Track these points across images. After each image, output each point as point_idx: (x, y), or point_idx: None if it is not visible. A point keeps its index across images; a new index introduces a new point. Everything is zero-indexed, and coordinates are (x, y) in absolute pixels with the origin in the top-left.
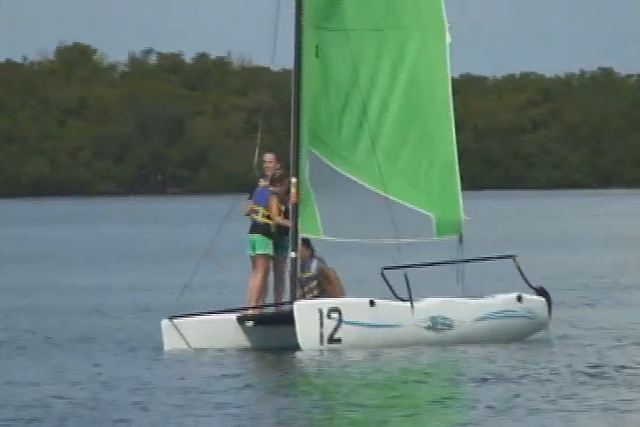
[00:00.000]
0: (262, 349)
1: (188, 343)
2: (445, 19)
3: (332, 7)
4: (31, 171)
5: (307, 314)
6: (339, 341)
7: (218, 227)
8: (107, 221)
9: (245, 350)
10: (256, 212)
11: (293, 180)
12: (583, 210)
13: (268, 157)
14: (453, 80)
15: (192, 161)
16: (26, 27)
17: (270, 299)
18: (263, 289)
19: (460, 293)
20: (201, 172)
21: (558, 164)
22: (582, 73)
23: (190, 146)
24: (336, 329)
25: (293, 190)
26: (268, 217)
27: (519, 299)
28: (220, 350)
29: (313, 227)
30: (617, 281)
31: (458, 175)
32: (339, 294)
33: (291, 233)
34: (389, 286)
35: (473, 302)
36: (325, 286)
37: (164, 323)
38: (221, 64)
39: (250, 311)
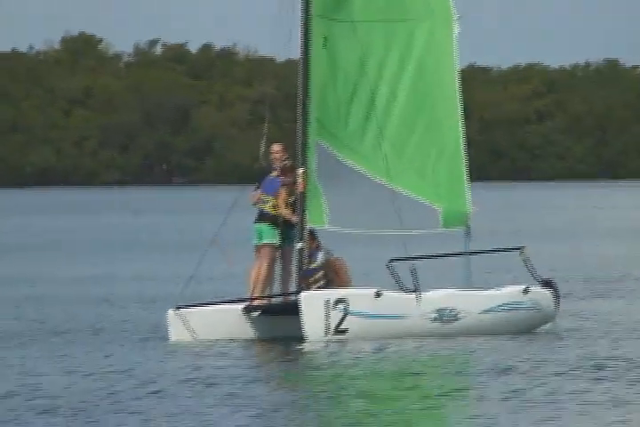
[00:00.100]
0: (268, 339)
1: (193, 333)
2: (454, 9)
3: None
4: (36, 160)
5: (312, 304)
6: (344, 331)
7: (223, 217)
8: (112, 211)
9: (251, 340)
10: (265, 201)
11: (300, 170)
12: (588, 201)
13: (276, 148)
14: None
15: (197, 151)
16: (31, 16)
17: (276, 289)
18: (269, 279)
19: (467, 285)
20: (206, 161)
21: (563, 155)
22: (587, 64)
23: (195, 135)
24: (342, 320)
25: (300, 180)
26: (276, 207)
27: (526, 291)
28: (226, 340)
29: (319, 218)
30: (626, 273)
31: (465, 166)
32: (345, 284)
33: (297, 223)
34: (395, 278)
35: (480, 294)
36: (332, 276)
37: (170, 313)
38: (226, 54)
39: (256, 301)
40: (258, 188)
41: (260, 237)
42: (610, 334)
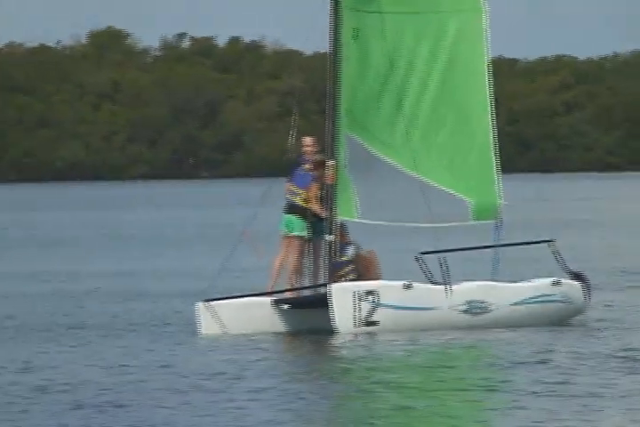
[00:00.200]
0: (298, 332)
1: (223, 326)
2: (485, 1)
3: None
4: (66, 155)
5: (342, 296)
6: (374, 323)
7: (253, 211)
8: (141, 206)
9: (281, 333)
10: (295, 193)
11: (330, 162)
12: (617, 193)
13: (308, 140)
14: None
15: (225, 145)
16: (59, 11)
17: (306, 283)
18: (298, 272)
19: (497, 277)
20: (234, 155)
21: (591, 146)
22: (615, 55)
23: (223, 129)
24: (371, 312)
25: (330, 172)
26: (307, 201)
27: (556, 283)
28: (256, 333)
29: (350, 210)
30: None
31: (495, 158)
32: (375, 277)
33: (327, 216)
34: (425, 271)
35: (510, 286)
36: (362, 271)
37: (200, 305)
38: (254, 48)
39: (286, 294)
40: (290, 180)
41: (290, 228)
42: None
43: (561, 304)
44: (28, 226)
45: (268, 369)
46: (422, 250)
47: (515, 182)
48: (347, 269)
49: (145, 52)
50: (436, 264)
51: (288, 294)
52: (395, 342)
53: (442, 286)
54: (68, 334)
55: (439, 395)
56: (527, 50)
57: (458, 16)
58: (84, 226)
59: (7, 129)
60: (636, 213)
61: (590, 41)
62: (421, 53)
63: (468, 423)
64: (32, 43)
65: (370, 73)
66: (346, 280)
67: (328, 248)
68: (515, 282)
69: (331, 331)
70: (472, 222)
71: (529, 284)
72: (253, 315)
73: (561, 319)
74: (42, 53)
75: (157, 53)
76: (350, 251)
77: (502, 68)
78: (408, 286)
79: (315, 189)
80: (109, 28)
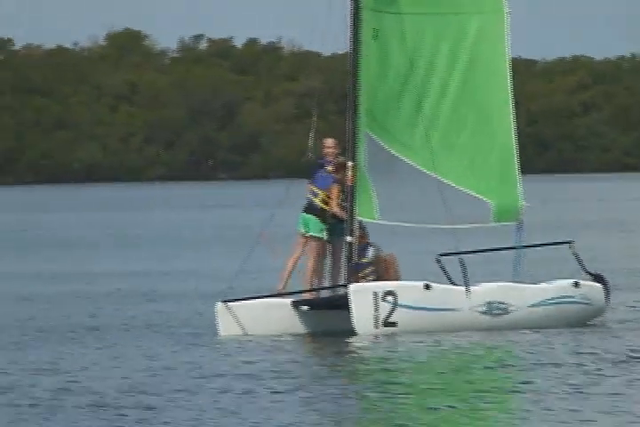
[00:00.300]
0: (317, 333)
1: (242, 327)
2: (505, 2)
3: None
4: (84, 157)
5: (362, 297)
6: (394, 324)
7: (270, 213)
8: (159, 207)
9: (300, 334)
10: (315, 194)
11: (350, 163)
12: (636, 193)
13: (329, 142)
14: None
15: (243, 146)
16: (76, 12)
17: (325, 284)
18: (317, 273)
19: (518, 278)
20: (252, 157)
21: (609, 147)
22: (633, 56)
23: (241, 131)
24: (391, 312)
25: (349, 173)
26: (326, 202)
27: (576, 285)
28: (275, 334)
29: (369, 211)
30: None
31: (517, 159)
32: (395, 279)
33: (347, 217)
34: (445, 272)
35: (529, 287)
36: (381, 273)
37: (218, 306)
38: (272, 49)
39: (305, 295)
40: (311, 182)
41: (307, 228)
42: None
43: (581, 306)
44: (46, 227)
45: (291, 370)
46: (442, 251)
47: (533, 184)
48: (367, 271)
49: (162, 53)
50: (457, 266)
51: (307, 296)
52: (417, 344)
53: (462, 287)
54: (91, 335)
55: (464, 396)
56: (545, 50)
57: (479, 17)
58: (101, 228)
59: (25, 131)
60: None
61: (607, 41)
62: (442, 53)
63: (494, 424)
64: (50, 44)
65: (390, 73)
66: (365, 282)
67: (348, 249)
68: (535, 283)
69: (350, 332)
70: (493, 224)
71: (549, 285)
72: (272, 316)
73: (581, 321)
74: (59, 55)
75: (175, 55)
76: (370, 253)
77: (520, 69)
78: (428, 287)
79: (335, 191)
80: (127, 29)
